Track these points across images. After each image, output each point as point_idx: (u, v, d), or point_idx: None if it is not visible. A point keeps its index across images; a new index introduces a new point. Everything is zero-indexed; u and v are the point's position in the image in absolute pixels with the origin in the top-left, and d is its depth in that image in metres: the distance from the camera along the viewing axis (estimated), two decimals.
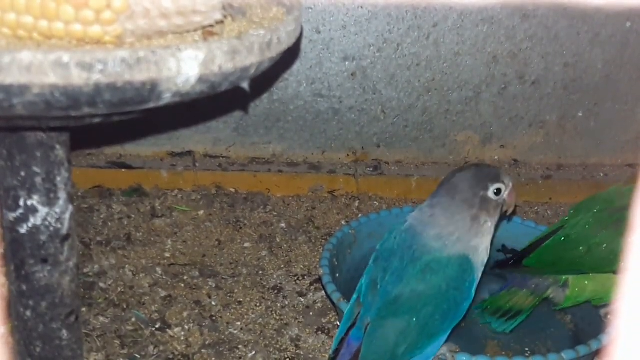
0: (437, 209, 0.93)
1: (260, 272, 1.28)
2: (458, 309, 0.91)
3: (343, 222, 1.43)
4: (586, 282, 1.09)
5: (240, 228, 1.40)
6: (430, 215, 0.93)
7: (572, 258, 1.07)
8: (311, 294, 1.23)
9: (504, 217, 0.99)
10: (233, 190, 1.51)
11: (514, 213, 1.02)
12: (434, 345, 0.91)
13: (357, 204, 1.50)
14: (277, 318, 1.17)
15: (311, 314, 1.19)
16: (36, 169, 0.75)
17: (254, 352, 1.09)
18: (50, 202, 0.77)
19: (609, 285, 1.07)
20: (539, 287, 1.11)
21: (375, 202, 1.51)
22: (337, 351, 0.91)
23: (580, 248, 1.07)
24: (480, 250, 0.92)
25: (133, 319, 1.14)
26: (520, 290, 1.12)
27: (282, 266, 1.30)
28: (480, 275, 0.93)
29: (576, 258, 1.07)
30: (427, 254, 0.90)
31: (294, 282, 1.26)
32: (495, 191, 0.92)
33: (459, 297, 0.90)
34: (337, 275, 1.12)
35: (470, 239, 0.91)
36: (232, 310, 1.18)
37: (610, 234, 1.05)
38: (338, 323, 1.15)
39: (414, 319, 0.89)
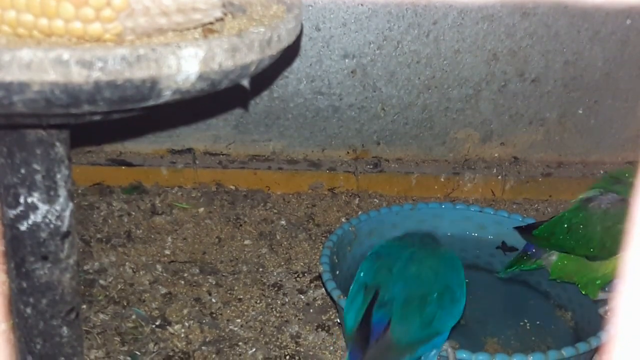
0: None
1: (261, 270, 1.28)
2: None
3: (343, 220, 1.43)
4: (566, 262, 1.13)
5: (240, 225, 1.40)
6: None
7: (558, 235, 1.11)
8: (311, 291, 1.23)
9: None
10: (233, 187, 1.51)
11: None
12: (453, 315, 0.96)
13: (357, 201, 1.50)
14: (277, 315, 1.17)
15: (311, 311, 1.19)
16: (36, 167, 0.75)
17: (254, 349, 1.09)
18: (50, 200, 0.77)
19: (584, 269, 1.09)
20: (536, 254, 1.18)
21: (375, 200, 1.51)
22: (360, 331, 0.90)
23: (565, 225, 1.09)
24: None
25: (133, 316, 1.14)
26: (526, 253, 1.19)
27: (282, 263, 1.30)
28: None
29: (560, 235, 1.11)
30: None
31: (294, 280, 1.26)
32: None
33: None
34: (337, 272, 1.12)
35: None
36: (232, 308, 1.18)
37: (590, 216, 1.07)
38: (338, 320, 1.16)
39: (436, 290, 0.94)
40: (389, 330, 0.89)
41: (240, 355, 1.08)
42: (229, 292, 1.22)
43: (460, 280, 0.98)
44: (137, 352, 1.07)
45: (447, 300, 0.94)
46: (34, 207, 0.76)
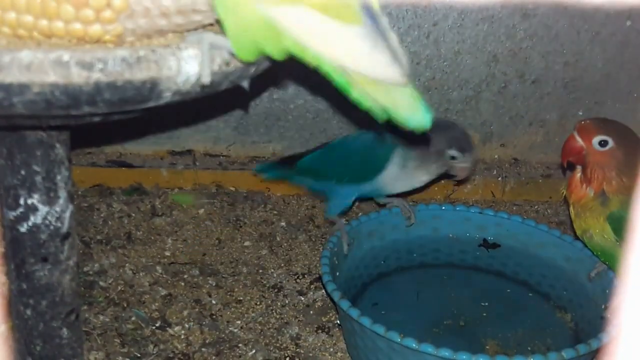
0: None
1: (260, 271, 1.28)
2: (366, 173, 1.22)
3: (343, 221, 1.42)
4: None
5: (241, 227, 1.40)
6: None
7: None
8: (311, 293, 1.23)
9: (451, 177, 1.27)
10: (233, 189, 1.51)
11: (459, 183, 1.34)
12: (340, 191, 1.25)
13: (357, 202, 1.50)
14: (277, 317, 1.17)
15: (311, 312, 1.19)
16: (36, 168, 0.75)
17: (254, 351, 1.09)
18: (50, 201, 0.77)
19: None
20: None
21: (375, 201, 1.51)
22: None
23: None
24: (417, 171, 1.21)
25: (133, 318, 1.14)
26: None
27: (282, 265, 1.30)
28: (395, 186, 1.23)
29: None
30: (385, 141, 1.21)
31: (294, 281, 1.26)
32: (451, 155, 1.20)
33: (372, 165, 1.21)
34: (337, 274, 1.12)
35: (414, 160, 1.19)
36: (232, 309, 1.18)
37: None
38: (338, 321, 1.15)
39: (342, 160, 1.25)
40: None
41: (240, 356, 1.08)
42: (229, 293, 1.22)
43: (372, 159, 1.21)
44: (137, 354, 1.07)
45: (342, 175, 1.23)
46: (34, 209, 0.76)
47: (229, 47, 0.64)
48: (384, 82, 0.62)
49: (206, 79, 0.64)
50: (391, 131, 1.18)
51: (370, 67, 0.60)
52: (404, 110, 0.63)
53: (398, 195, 1.27)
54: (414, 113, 0.63)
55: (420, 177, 1.23)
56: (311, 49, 0.60)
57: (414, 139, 1.16)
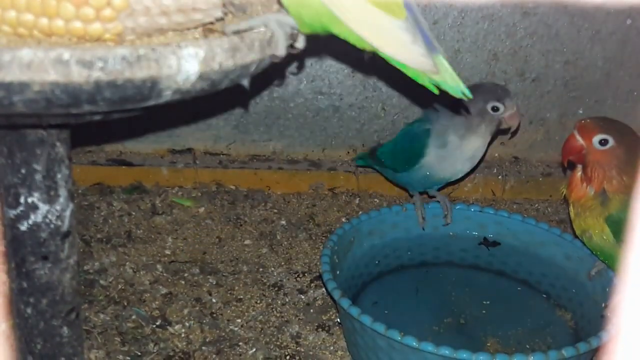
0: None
1: (261, 270, 1.28)
2: (409, 160, 1.25)
3: (343, 220, 1.43)
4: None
5: (241, 225, 1.40)
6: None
7: None
8: (311, 291, 1.23)
9: (506, 132, 1.27)
10: (233, 187, 1.51)
11: (515, 132, 1.27)
12: (401, 178, 1.32)
13: (357, 201, 1.50)
14: (278, 315, 1.17)
15: (311, 311, 1.19)
16: (36, 167, 0.75)
17: (254, 349, 1.09)
18: (50, 200, 0.77)
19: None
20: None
21: (375, 200, 1.51)
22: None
23: None
24: (466, 141, 1.21)
25: (133, 316, 1.14)
26: None
27: (283, 263, 1.30)
28: (445, 166, 1.23)
29: None
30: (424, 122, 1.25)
31: (294, 279, 1.26)
32: (493, 107, 1.19)
33: (412, 153, 1.24)
34: (338, 272, 1.12)
35: (456, 132, 1.20)
36: (233, 308, 1.18)
37: None
38: (338, 320, 1.16)
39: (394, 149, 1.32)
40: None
41: (240, 355, 1.08)
42: (229, 292, 1.22)
43: (414, 143, 1.24)
44: (138, 352, 1.07)
45: (394, 161, 1.31)
46: (34, 207, 0.76)
47: (292, 23, 0.73)
48: (419, 70, 0.73)
49: (282, 52, 0.73)
50: (438, 103, 1.22)
51: (409, 58, 0.72)
52: (448, 80, 0.77)
53: (456, 179, 1.31)
54: (456, 82, 0.77)
55: (474, 144, 1.22)
56: (362, 38, 0.70)
57: (455, 108, 1.19)
